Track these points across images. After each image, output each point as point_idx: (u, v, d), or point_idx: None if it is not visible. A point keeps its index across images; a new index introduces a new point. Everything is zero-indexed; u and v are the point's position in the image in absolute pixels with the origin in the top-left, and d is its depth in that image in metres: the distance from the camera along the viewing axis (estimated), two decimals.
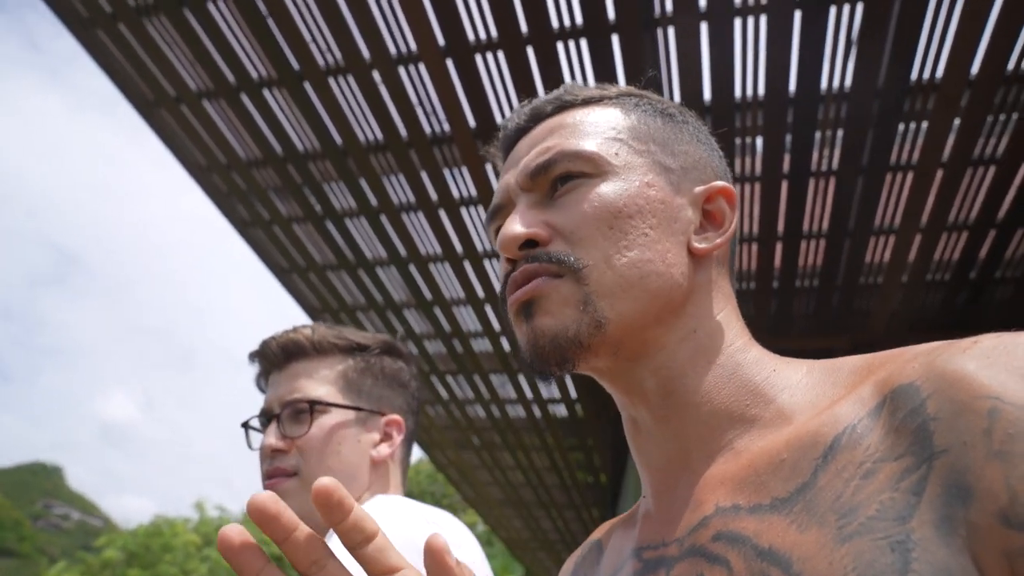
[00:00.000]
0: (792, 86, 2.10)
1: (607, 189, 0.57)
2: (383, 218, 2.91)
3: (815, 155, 2.34)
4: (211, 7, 2.16)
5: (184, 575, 24.19)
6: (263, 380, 1.08)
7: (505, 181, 0.62)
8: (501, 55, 2.15)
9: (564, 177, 0.58)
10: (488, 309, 3.43)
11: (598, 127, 0.60)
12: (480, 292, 3.31)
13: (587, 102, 0.63)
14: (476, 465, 5.72)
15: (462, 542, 0.87)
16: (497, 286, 3.26)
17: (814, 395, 0.52)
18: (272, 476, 0.98)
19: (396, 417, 1.06)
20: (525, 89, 2.21)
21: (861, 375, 0.50)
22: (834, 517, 0.43)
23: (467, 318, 3.59)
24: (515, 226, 0.57)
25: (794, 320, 3.09)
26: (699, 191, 0.60)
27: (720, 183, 0.61)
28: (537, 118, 0.64)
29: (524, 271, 0.56)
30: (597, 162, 0.58)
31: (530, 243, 0.57)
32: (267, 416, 1.03)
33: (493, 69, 2.20)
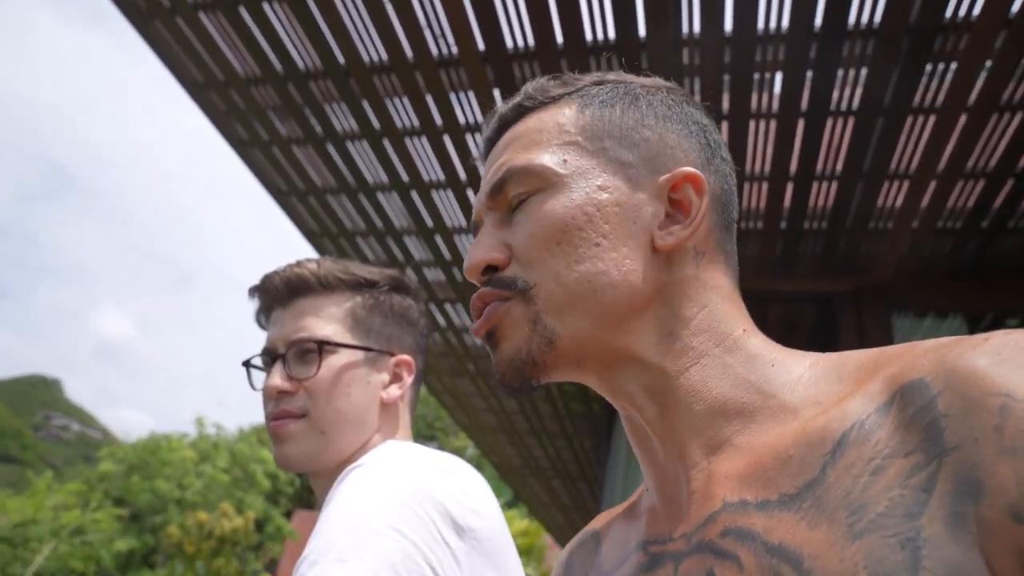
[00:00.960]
0: (818, 20, 2.01)
1: (554, 204, 0.56)
2: (385, 142, 2.83)
3: (835, 94, 2.26)
4: None
5: (181, 489, 24.84)
6: (263, 317, 1.04)
7: (476, 199, 0.62)
8: None
9: (518, 195, 0.58)
10: None
11: (548, 134, 0.58)
12: None
13: (544, 104, 0.61)
14: (471, 392, 5.79)
15: (473, 490, 0.85)
16: None
17: (818, 390, 0.51)
18: (279, 418, 0.95)
19: (406, 357, 1.03)
20: (538, 13, 2.11)
21: (869, 371, 0.49)
22: (844, 514, 0.42)
23: (467, 246, 3.54)
24: (474, 253, 0.58)
25: (799, 262, 3.06)
26: (662, 181, 0.57)
27: (685, 169, 0.57)
28: (503, 126, 0.63)
29: (479, 295, 0.57)
30: (544, 175, 0.56)
31: (492, 267, 0.58)
32: (271, 355, 0.99)
33: None
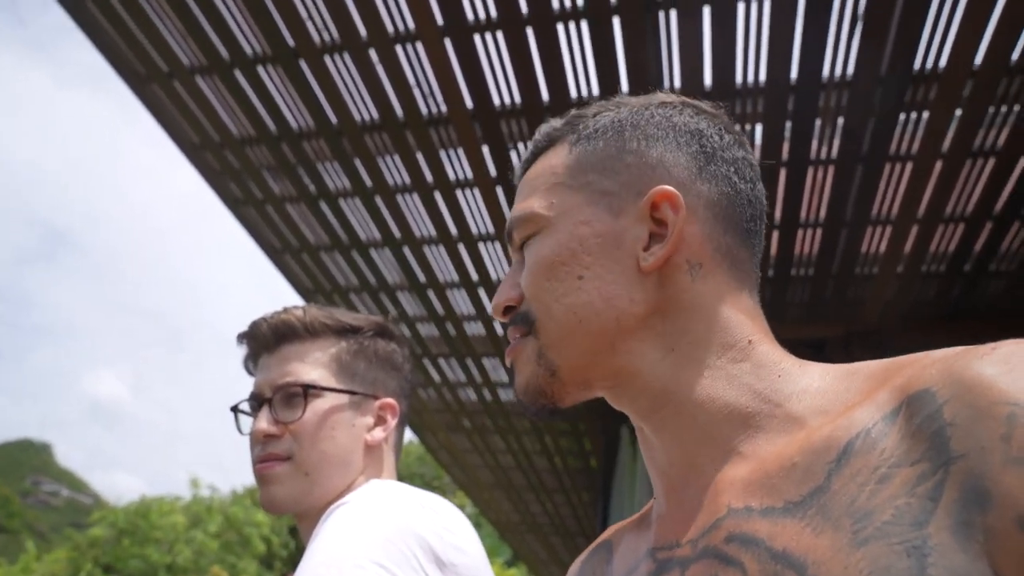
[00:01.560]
0: (794, 73, 2.08)
1: (543, 244, 0.60)
2: (378, 199, 2.88)
3: (815, 143, 2.32)
4: None
5: (171, 555, 24.24)
6: (251, 363, 1.06)
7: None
8: (500, 36, 2.12)
9: (522, 239, 0.63)
10: (482, 292, 3.41)
11: (542, 179, 0.63)
12: (474, 275, 3.29)
13: (546, 148, 0.65)
14: (467, 448, 5.73)
15: (455, 527, 0.86)
16: (491, 270, 3.25)
17: (826, 400, 0.51)
18: (264, 461, 0.97)
19: (390, 400, 1.05)
20: (523, 71, 2.18)
21: (878, 380, 0.49)
22: (849, 521, 0.43)
23: (460, 301, 3.57)
24: (496, 296, 0.64)
25: (788, 308, 3.09)
26: (642, 204, 0.57)
27: (658, 188, 0.56)
28: (524, 172, 0.67)
29: (509, 332, 0.63)
30: (536, 220, 0.61)
31: (510, 307, 0.63)
32: (258, 400, 1.01)
33: (492, 50, 2.17)
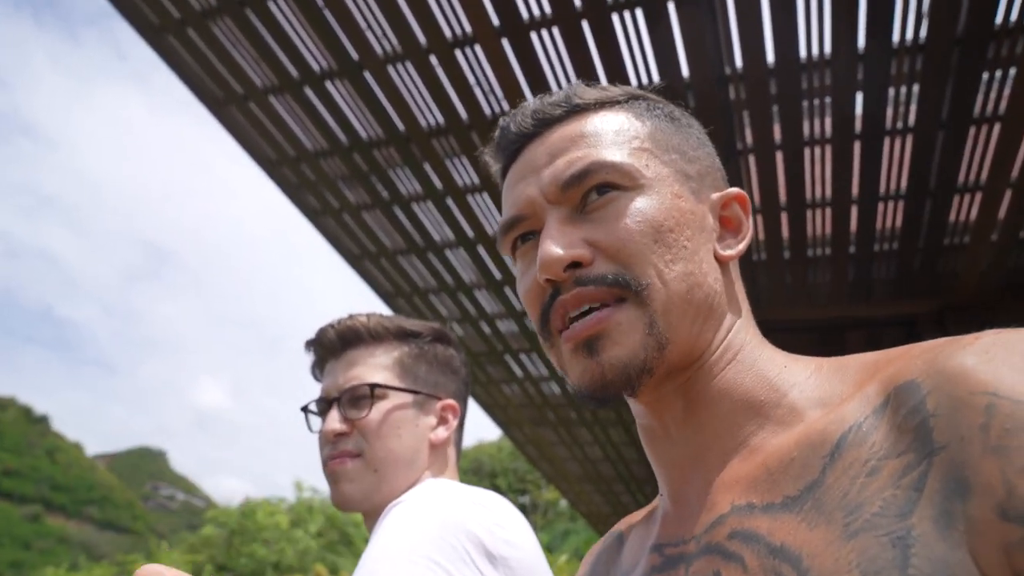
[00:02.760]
0: (861, 42, 2.00)
1: (645, 203, 0.55)
2: (449, 201, 2.94)
3: (889, 112, 2.23)
4: (271, 5, 2.22)
5: (277, 553, 25.32)
6: (318, 369, 1.12)
7: (525, 192, 0.59)
8: (556, 31, 2.13)
9: (598, 189, 0.56)
10: None
11: (623, 136, 0.58)
12: None
13: (599, 106, 0.60)
14: (554, 441, 5.76)
15: (507, 522, 0.89)
16: None
17: (823, 392, 0.53)
18: (335, 457, 1.02)
19: (451, 402, 1.09)
20: (582, 64, 2.18)
21: (869, 372, 0.50)
22: (841, 514, 0.43)
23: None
24: (556, 247, 0.54)
25: (874, 286, 2.97)
26: (716, 198, 0.60)
27: (735, 189, 0.61)
28: (545, 123, 0.61)
29: (578, 295, 0.54)
30: (632, 175, 0.56)
31: (573, 264, 0.55)
32: (326, 402, 1.06)
33: (549, 46, 2.18)
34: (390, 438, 1.01)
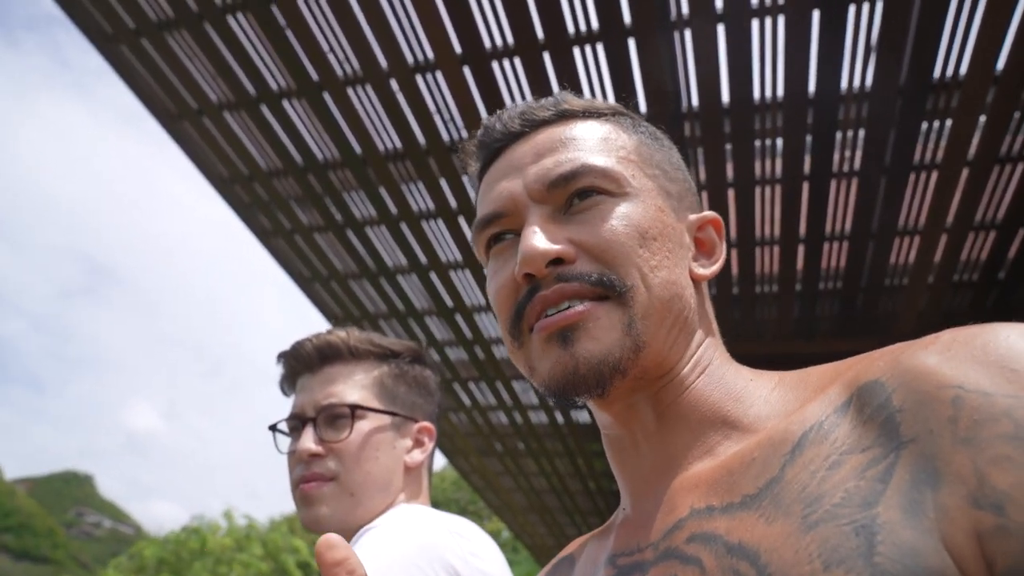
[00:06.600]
0: (812, 87, 2.08)
1: (631, 209, 0.56)
2: (403, 226, 2.92)
3: (836, 156, 2.31)
4: (231, 20, 2.19)
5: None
6: (288, 383, 1.08)
7: (507, 188, 0.59)
8: (518, 61, 2.15)
9: (584, 192, 0.56)
10: None
11: (611, 145, 0.59)
12: None
13: (587, 115, 0.62)
14: (499, 471, 5.72)
15: (482, 551, 0.87)
16: None
17: (786, 401, 0.54)
18: (309, 480, 0.98)
19: (428, 424, 1.08)
20: (542, 95, 2.20)
21: (830, 378, 0.51)
22: (799, 507, 0.44)
23: (488, 325, 3.58)
24: (540, 242, 0.54)
25: (818, 323, 3.05)
26: (693, 219, 0.62)
27: (711, 213, 0.63)
28: (532, 124, 0.61)
29: (559, 291, 0.54)
30: (619, 181, 0.57)
31: (555, 261, 0.54)
32: (299, 420, 1.02)
33: (510, 75, 2.20)
34: (368, 461, 0.99)
